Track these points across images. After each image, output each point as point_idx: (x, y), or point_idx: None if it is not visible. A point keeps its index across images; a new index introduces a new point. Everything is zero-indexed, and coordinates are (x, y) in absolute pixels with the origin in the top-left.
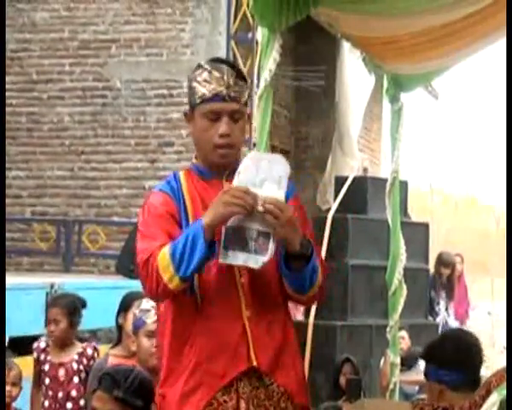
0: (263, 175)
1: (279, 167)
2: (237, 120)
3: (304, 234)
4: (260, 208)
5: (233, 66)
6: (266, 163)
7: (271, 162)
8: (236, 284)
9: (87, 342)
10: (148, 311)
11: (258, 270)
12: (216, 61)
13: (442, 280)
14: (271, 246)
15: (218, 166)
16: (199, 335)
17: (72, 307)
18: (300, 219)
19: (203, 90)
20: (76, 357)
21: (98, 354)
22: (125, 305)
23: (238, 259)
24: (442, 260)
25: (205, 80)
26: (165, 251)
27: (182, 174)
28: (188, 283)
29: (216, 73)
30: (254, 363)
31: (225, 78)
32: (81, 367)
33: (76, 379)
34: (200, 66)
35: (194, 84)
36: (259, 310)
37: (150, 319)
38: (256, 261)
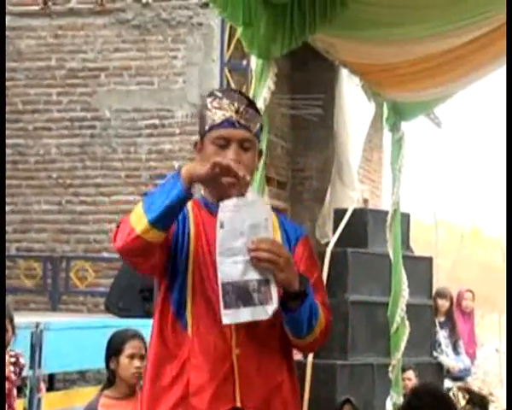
0: (248, 222)
1: (261, 210)
2: (247, 149)
3: (299, 271)
4: (255, 254)
5: (245, 95)
6: (247, 209)
7: (252, 207)
8: None
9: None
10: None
11: None
12: (227, 89)
13: (440, 318)
14: (274, 292)
15: (226, 197)
16: (186, 366)
17: None
18: (308, 262)
19: (213, 116)
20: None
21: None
22: (115, 349)
23: (244, 315)
24: (438, 292)
25: (215, 107)
26: (140, 202)
27: (190, 203)
28: (158, 234)
29: (226, 100)
30: (238, 403)
31: (236, 104)
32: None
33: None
34: (211, 93)
35: (205, 112)
36: (251, 349)
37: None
38: (265, 312)
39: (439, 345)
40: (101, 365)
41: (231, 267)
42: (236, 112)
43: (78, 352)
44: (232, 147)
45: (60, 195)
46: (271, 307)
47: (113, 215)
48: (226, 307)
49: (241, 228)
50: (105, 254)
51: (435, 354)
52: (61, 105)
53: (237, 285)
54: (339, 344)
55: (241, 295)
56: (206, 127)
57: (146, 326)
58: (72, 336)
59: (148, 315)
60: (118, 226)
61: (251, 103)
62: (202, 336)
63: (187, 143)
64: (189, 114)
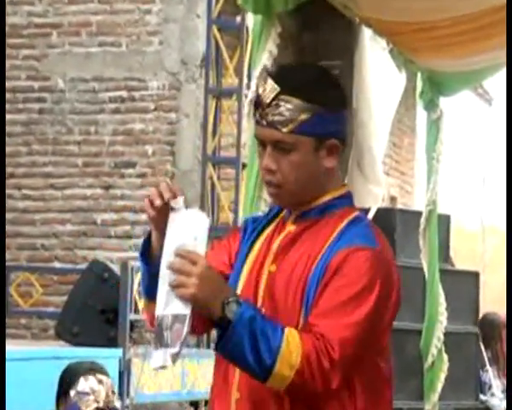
0: (176, 242)
1: (191, 227)
2: (286, 150)
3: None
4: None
5: (279, 76)
6: (178, 225)
7: (182, 222)
8: None
9: None
10: (86, 394)
11: None
12: (277, 66)
13: (489, 351)
14: (185, 330)
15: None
16: None
17: None
18: (336, 283)
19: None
20: None
21: None
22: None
23: (157, 360)
24: (487, 318)
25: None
26: None
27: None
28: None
29: (259, 88)
30: None
31: (262, 96)
32: None
33: None
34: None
35: None
36: (251, 395)
37: (88, 407)
38: (171, 356)
39: (489, 387)
40: (52, 407)
41: (159, 298)
42: (262, 108)
43: (21, 390)
44: (267, 150)
45: None
46: (171, 351)
47: (67, 214)
48: (154, 347)
49: (169, 249)
50: (56, 265)
51: (482, 397)
52: None
53: (157, 321)
54: None
55: (157, 333)
56: None
57: (109, 358)
58: (12, 370)
59: (111, 343)
60: None
61: (290, 89)
62: (216, 376)
63: (163, 121)
64: (167, 84)
